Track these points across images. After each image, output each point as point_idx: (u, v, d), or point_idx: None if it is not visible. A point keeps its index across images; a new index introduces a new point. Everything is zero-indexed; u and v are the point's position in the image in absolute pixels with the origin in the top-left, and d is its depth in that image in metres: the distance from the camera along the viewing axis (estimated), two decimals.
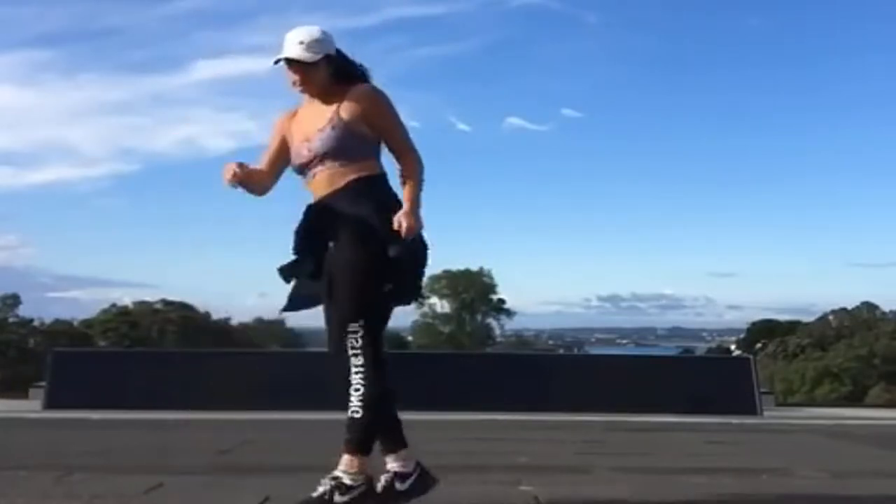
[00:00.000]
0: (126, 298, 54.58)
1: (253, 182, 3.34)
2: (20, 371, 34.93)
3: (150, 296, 59.03)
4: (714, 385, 11.34)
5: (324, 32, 3.23)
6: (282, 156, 3.39)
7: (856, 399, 36.80)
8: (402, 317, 53.31)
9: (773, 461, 5.18)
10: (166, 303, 51.64)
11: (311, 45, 3.18)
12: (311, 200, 3.28)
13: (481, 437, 6.39)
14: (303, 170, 3.28)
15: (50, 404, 10.37)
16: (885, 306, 52.64)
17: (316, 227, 3.20)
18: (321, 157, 3.21)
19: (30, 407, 10.57)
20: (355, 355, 3.10)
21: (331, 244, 3.20)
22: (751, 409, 10.72)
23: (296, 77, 3.21)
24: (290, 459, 4.95)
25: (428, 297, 56.16)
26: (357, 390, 3.10)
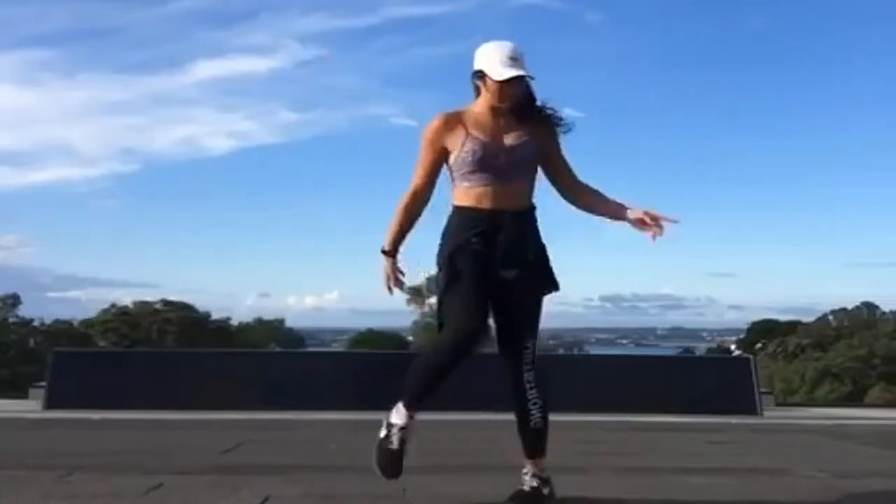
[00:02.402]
0: (126, 298, 54.59)
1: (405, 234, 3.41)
2: (20, 371, 34.94)
3: (150, 296, 59.12)
4: (714, 385, 11.32)
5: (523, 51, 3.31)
6: (439, 164, 3.38)
7: (856, 399, 36.76)
8: (403, 317, 53.32)
9: (773, 461, 5.17)
10: (166, 303, 51.58)
11: (524, 61, 3.26)
12: (472, 204, 3.31)
13: (481, 437, 6.38)
14: (489, 171, 3.28)
15: (50, 404, 10.37)
16: (885, 306, 52.79)
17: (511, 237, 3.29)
18: (518, 167, 3.30)
19: (30, 407, 10.57)
20: (530, 370, 3.34)
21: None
22: (751, 409, 10.71)
23: (512, 91, 3.26)
24: (290, 459, 4.95)
25: (428, 297, 56.17)
26: (536, 404, 3.36)
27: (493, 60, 3.26)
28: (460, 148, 3.29)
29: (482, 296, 3.25)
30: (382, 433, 3.32)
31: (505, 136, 3.30)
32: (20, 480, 3.85)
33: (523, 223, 3.35)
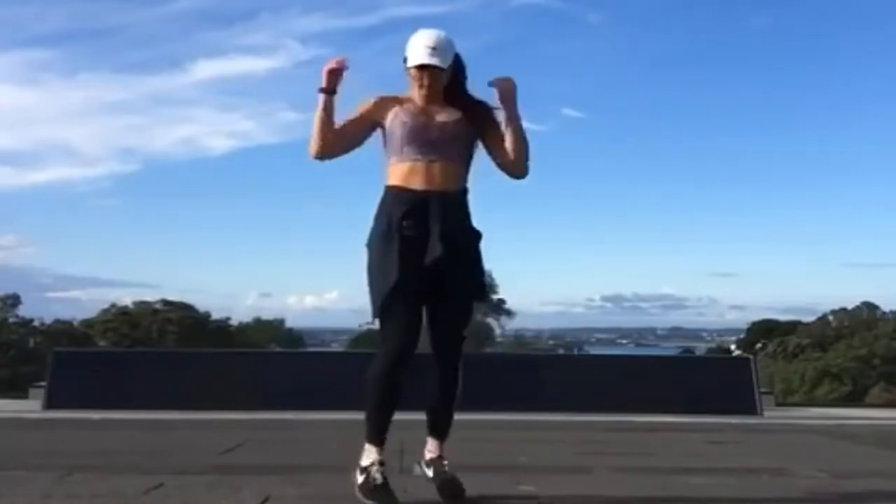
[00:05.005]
0: (126, 298, 54.49)
1: (328, 117, 3.39)
2: (20, 371, 34.93)
3: (150, 296, 59.00)
4: (714, 385, 11.33)
5: (450, 40, 3.34)
6: (357, 130, 3.43)
7: (856, 399, 36.76)
8: None
9: (773, 461, 5.17)
10: (166, 303, 51.54)
11: (444, 52, 3.29)
12: (401, 182, 3.33)
13: (481, 437, 6.38)
14: (419, 144, 3.31)
15: (50, 404, 10.37)
16: (885, 306, 52.72)
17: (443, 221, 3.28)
18: (450, 144, 3.32)
19: (30, 407, 10.57)
20: (459, 361, 3.54)
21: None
22: (751, 409, 10.71)
23: (428, 81, 3.30)
24: (290, 459, 4.95)
25: None
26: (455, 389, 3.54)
27: (413, 49, 3.31)
28: (392, 119, 3.36)
29: (416, 310, 3.39)
30: (360, 478, 3.29)
31: (437, 114, 3.36)
32: (20, 480, 3.85)
33: (452, 207, 3.34)
